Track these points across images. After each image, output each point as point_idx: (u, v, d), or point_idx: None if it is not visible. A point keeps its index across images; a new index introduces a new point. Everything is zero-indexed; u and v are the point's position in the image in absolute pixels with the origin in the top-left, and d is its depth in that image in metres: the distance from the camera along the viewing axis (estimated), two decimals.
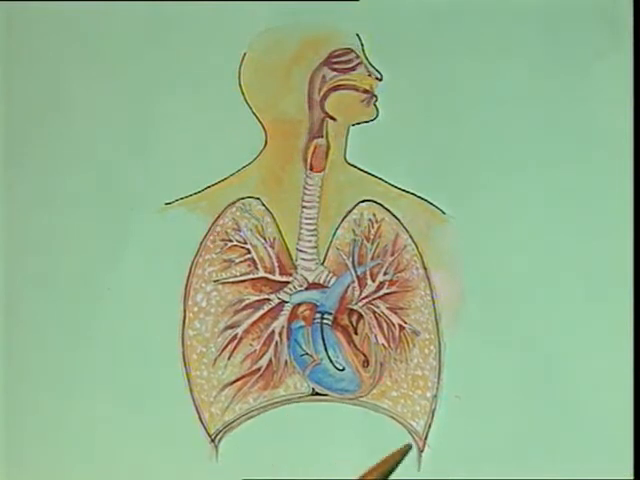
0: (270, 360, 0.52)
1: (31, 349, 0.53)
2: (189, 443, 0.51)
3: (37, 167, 0.55)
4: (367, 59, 0.54)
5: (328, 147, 0.53)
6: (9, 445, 0.52)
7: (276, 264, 0.53)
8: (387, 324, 0.52)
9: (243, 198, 0.53)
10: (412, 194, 0.53)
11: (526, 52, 0.53)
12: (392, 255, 0.52)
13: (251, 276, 0.53)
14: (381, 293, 0.52)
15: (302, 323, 0.52)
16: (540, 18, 0.53)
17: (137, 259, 0.53)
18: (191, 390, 0.52)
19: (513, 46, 0.53)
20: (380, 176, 0.53)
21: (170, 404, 0.51)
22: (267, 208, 0.53)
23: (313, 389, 0.51)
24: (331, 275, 0.53)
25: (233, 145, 0.54)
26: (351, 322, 0.52)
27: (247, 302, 0.52)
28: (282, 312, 0.52)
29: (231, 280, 0.53)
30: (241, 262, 0.53)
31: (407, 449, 0.46)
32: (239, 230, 0.53)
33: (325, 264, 0.53)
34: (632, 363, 0.50)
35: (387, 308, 0.52)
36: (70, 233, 0.54)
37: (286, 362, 0.52)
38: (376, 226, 0.53)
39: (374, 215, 0.53)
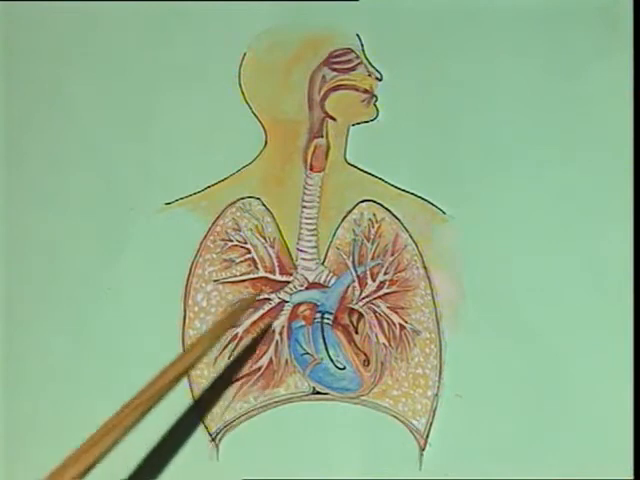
0: (271, 359, 0.52)
1: (31, 349, 0.53)
2: (190, 442, 0.51)
3: (36, 167, 0.55)
4: (367, 59, 0.54)
5: (328, 147, 0.54)
6: (9, 445, 0.52)
7: (276, 264, 0.53)
8: (388, 323, 0.52)
9: (243, 198, 0.53)
10: (412, 194, 0.53)
11: (526, 52, 0.53)
12: (392, 255, 0.52)
13: (251, 276, 0.53)
14: (381, 293, 0.52)
15: (302, 323, 0.52)
16: (540, 18, 0.53)
17: (137, 259, 0.53)
18: (192, 389, 0.52)
19: (513, 46, 0.53)
20: (380, 176, 0.53)
21: (171, 403, 0.51)
22: (267, 208, 0.53)
23: (314, 388, 0.51)
24: (331, 275, 0.53)
25: (233, 145, 0.54)
26: (352, 321, 0.52)
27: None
28: (282, 312, 0.52)
29: (231, 280, 0.53)
30: (241, 262, 0.53)
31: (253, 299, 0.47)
32: (239, 230, 0.53)
33: (325, 264, 0.53)
34: (632, 363, 0.50)
35: (387, 307, 0.52)
36: (69, 233, 0.54)
37: (287, 361, 0.52)
38: (376, 226, 0.53)
39: (374, 215, 0.53)
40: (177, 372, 0.42)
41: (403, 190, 0.53)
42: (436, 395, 0.51)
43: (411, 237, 0.52)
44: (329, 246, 0.53)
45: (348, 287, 0.52)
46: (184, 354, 0.44)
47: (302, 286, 0.53)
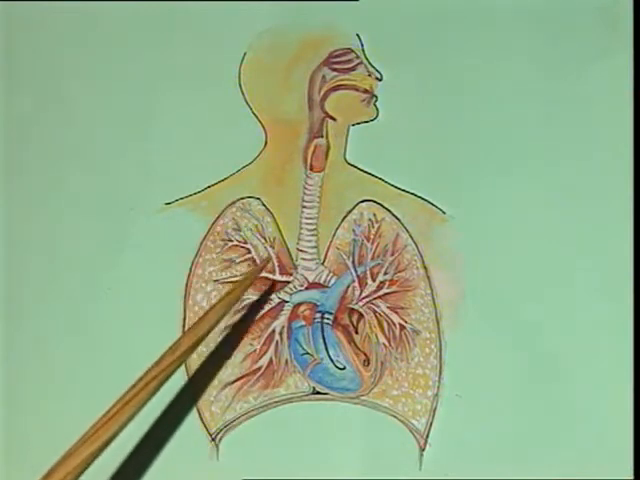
0: (270, 359, 0.52)
1: (31, 349, 0.53)
2: (190, 442, 0.51)
3: (36, 166, 0.55)
4: (367, 59, 0.54)
5: (328, 147, 0.54)
6: (9, 445, 0.52)
7: (276, 264, 0.53)
8: (388, 323, 0.52)
9: (243, 198, 0.53)
10: (412, 194, 0.53)
11: (526, 52, 0.53)
12: (392, 255, 0.52)
13: None
14: (381, 293, 0.52)
15: (302, 323, 0.52)
16: (540, 18, 0.53)
17: (137, 259, 0.53)
18: (192, 389, 0.51)
19: (513, 46, 0.53)
20: (380, 176, 0.53)
21: (171, 403, 0.51)
22: (267, 208, 0.53)
23: (314, 388, 0.51)
24: (331, 275, 0.53)
25: (233, 145, 0.54)
26: (351, 322, 0.52)
27: (247, 302, 0.52)
28: (282, 312, 0.52)
29: (231, 280, 0.53)
30: (241, 262, 0.53)
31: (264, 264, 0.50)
32: (239, 230, 0.53)
33: (325, 264, 0.53)
34: (632, 363, 0.50)
35: (387, 307, 0.52)
36: (70, 233, 0.54)
37: (286, 361, 0.52)
38: (376, 226, 0.53)
39: (374, 215, 0.53)
40: (189, 343, 0.42)
41: (403, 190, 0.53)
42: (436, 395, 0.51)
43: (411, 237, 0.52)
44: (329, 246, 0.53)
45: (348, 287, 0.52)
46: (195, 325, 0.44)
47: (302, 286, 0.53)
